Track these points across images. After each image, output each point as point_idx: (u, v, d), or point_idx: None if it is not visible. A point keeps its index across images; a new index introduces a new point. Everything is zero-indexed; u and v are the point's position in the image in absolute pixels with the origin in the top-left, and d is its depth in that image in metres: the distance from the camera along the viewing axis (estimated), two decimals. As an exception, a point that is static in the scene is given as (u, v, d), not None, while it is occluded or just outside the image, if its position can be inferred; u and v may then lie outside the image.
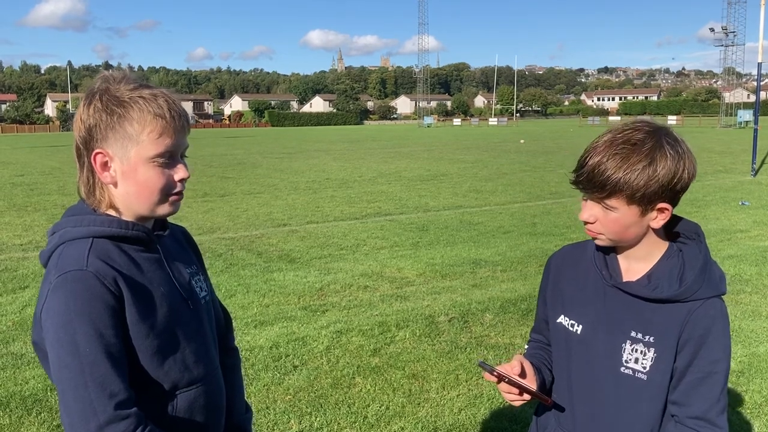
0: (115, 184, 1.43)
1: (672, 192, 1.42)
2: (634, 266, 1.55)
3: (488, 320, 5.76)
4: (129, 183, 1.42)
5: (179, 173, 1.46)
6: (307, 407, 4.13)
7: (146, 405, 1.39)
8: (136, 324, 1.37)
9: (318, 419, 3.98)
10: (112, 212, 1.46)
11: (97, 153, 1.40)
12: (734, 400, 4.18)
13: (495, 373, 1.53)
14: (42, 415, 4.03)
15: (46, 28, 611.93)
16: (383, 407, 4.13)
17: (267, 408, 4.12)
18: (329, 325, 5.68)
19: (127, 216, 1.46)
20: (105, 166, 1.41)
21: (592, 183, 1.44)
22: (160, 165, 1.42)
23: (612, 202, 1.43)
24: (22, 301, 6.44)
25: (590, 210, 1.49)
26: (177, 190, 1.47)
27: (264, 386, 4.44)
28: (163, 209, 1.47)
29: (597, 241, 1.54)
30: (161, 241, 1.53)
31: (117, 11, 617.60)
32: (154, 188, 1.43)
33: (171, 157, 1.44)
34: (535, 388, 1.61)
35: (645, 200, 1.42)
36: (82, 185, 1.46)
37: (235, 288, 6.82)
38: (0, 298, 6.55)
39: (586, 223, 1.51)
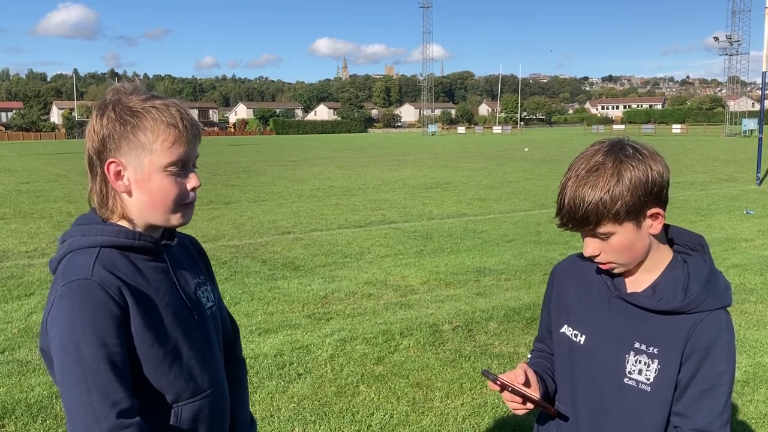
0: (129, 193, 1.45)
1: (653, 195, 1.43)
2: (638, 277, 1.55)
3: (492, 329, 5.75)
4: (142, 192, 1.44)
5: (191, 182, 1.48)
6: (311, 415, 4.14)
7: (150, 415, 1.40)
8: (141, 333, 1.38)
9: (322, 427, 3.98)
10: (124, 222, 1.47)
11: (111, 162, 1.43)
12: (739, 409, 4.17)
13: (498, 382, 1.53)
14: (47, 422, 4.05)
15: (56, 36, 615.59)
16: (387, 416, 4.13)
17: (271, 416, 4.13)
18: (333, 333, 5.68)
19: (140, 225, 1.48)
20: (118, 175, 1.43)
21: (576, 220, 1.45)
22: (173, 174, 1.44)
23: (603, 229, 1.44)
24: (28, 308, 6.46)
25: (591, 245, 1.50)
26: (189, 199, 1.49)
27: (268, 394, 4.44)
28: (176, 218, 1.49)
29: (614, 271, 1.54)
30: (169, 251, 1.54)
31: (128, 20, 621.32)
32: (168, 197, 1.45)
33: (183, 167, 1.46)
34: (539, 397, 1.61)
35: (632, 214, 1.43)
36: (95, 195, 1.47)
37: (240, 296, 6.84)
38: (6, 306, 6.58)
39: (593, 258, 1.52)
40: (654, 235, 1.50)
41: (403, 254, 9.00)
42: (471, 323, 5.90)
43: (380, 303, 6.63)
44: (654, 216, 1.46)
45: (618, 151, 1.44)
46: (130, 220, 1.47)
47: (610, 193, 1.40)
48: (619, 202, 1.40)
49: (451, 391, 4.49)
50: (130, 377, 1.37)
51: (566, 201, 1.45)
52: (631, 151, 1.44)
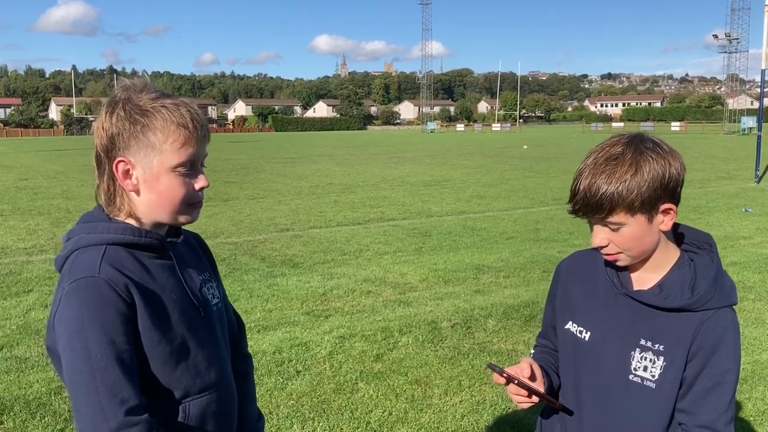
0: (137, 192, 1.45)
1: (668, 191, 1.44)
2: (645, 275, 1.56)
3: (491, 326, 5.76)
4: (151, 191, 1.44)
5: (199, 182, 1.48)
6: (310, 413, 4.14)
7: (158, 412, 1.40)
8: (148, 330, 1.38)
9: (321, 425, 3.98)
10: (131, 220, 1.47)
11: (119, 161, 1.42)
12: (737, 407, 4.17)
13: (504, 375, 1.54)
14: (46, 418, 4.04)
15: (56, 33, 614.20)
16: (386, 413, 4.13)
17: (270, 413, 4.13)
18: (332, 330, 5.68)
19: (147, 223, 1.48)
20: (127, 174, 1.43)
21: (589, 206, 1.46)
22: (182, 174, 1.44)
23: (615, 218, 1.45)
24: (26, 305, 6.46)
25: (600, 234, 1.50)
26: (197, 199, 1.49)
27: (267, 391, 4.44)
28: (183, 218, 1.49)
29: (618, 263, 1.54)
30: (174, 248, 1.54)
31: (128, 17, 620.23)
32: (176, 197, 1.45)
33: (192, 167, 1.46)
34: (543, 391, 1.61)
35: (646, 207, 1.43)
36: (102, 193, 1.47)
37: (239, 293, 6.83)
38: (4, 302, 6.57)
39: (601, 249, 1.52)
40: (663, 232, 1.51)
41: (402, 252, 9.00)
42: (470, 320, 5.90)
43: (379, 300, 6.64)
44: (666, 212, 1.46)
45: (639, 143, 1.45)
46: (137, 218, 1.47)
47: (627, 183, 1.41)
48: (634, 193, 1.41)
49: (450, 388, 4.49)
50: (137, 375, 1.37)
51: (581, 187, 1.46)
52: (651, 145, 1.45)
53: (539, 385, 1.61)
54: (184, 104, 1.44)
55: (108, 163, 1.44)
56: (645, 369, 1.52)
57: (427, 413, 4.14)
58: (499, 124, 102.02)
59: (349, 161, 28.73)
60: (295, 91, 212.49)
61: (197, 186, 1.48)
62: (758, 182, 17.57)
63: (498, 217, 12.13)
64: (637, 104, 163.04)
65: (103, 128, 1.42)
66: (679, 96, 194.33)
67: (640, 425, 1.54)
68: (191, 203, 1.48)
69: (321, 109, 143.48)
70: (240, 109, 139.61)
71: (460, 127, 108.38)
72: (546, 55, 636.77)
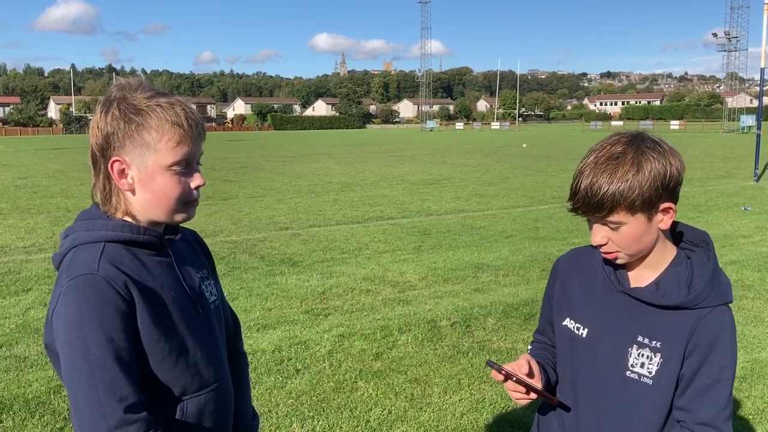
0: (133, 191, 1.45)
1: (668, 190, 1.45)
2: (642, 273, 1.57)
3: (490, 325, 5.76)
4: (146, 191, 1.44)
5: (195, 181, 1.48)
6: (309, 411, 4.14)
7: (156, 409, 1.40)
8: (147, 328, 1.38)
9: (320, 423, 3.98)
10: (128, 219, 1.47)
11: (115, 161, 1.42)
12: (736, 405, 4.18)
13: (503, 372, 1.55)
14: (45, 417, 4.04)
15: (55, 32, 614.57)
16: (385, 411, 4.14)
17: (269, 412, 4.13)
18: (331, 329, 5.68)
19: (143, 222, 1.48)
20: (122, 173, 1.43)
21: (590, 205, 1.46)
22: (177, 173, 1.44)
23: (615, 217, 1.45)
24: (26, 303, 6.45)
25: (599, 232, 1.51)
26: (192, 197, 1.49)
27: (266, 390, 4.44)
28: (180, 216, 1.49)
29: (617, 261, 1.55)
30: (173, 245, 1.54)
31: (127, 16, 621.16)
32: (171, 196, 1.44)
33: (187, 165, 1.46)
34: (541, 387, 1.62)
35: (646, 206, 1.44)
36: (98, 192, 1.47)
37: (238, 291, 6.83)
38: (3, 301, 6.57)
39: (600, 247, 1.53)
40: (661, 231, 1.52)
41: (401, 250, 9.00)
42: (469, 319, 5.90)
43: (378, 299, 6.64)
44: (665, 211, 1.47)
45: (640, 142, 1.45)
46: (133, 217, 1.47)
47: (629, 182, 1.41)
48: (636, 192, 1.41)
49: (450, 387, 4.49)
50: (136, 372, 1.37)
51: (582, 186, 1.46)
52: (651, 144, 1.46)
53: (537, 382, 1.62)
54: (178, 103, 1.43)
55: (103, 162, 1.43)
56: (642, 365, 1.53)
57: (426, 412, 4.14)
58: (498, 123, 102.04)
59: (348, 160, 28.73)
60: (294, 89, 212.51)
61: (193, 185, 1.48)
62: (757, 181, 17.57)
63: (497, 215, 12.13)
64: (636, 103, 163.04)
65: (98, 127, 1.42)
66: (678, 94, 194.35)
67: (636, 421, 1.55)
68: (187, 201, 1.48)
69: (320, 108, 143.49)
70: (239, 107, 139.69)
71: (459, 125, 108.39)
72: (545, 53, 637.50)
